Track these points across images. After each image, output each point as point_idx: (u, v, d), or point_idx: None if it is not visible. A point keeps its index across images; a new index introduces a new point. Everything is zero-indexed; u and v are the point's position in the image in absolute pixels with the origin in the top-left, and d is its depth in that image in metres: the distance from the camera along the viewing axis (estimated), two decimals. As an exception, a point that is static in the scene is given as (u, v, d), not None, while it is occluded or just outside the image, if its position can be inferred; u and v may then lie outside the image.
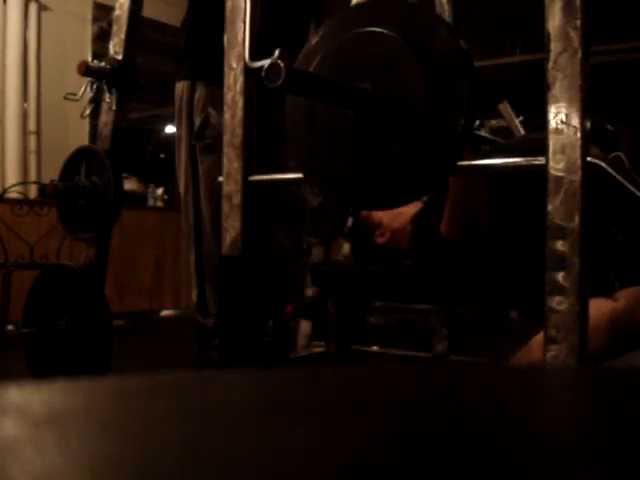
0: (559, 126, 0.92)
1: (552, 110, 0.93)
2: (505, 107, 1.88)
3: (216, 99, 1.31)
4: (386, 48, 0.97)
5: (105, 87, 1.61)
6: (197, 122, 2.12)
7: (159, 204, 5.11)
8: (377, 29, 0.99)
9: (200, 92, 2.12)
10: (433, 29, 0.97)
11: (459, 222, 1.44)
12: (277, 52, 1.17)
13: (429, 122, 0.94)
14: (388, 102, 0.97)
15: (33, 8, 4.41)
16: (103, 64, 1.61)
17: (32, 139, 4.40)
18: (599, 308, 1.21)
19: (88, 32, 4.78)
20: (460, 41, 0.96)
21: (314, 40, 1.11)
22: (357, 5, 1.11)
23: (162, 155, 5.98)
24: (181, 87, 2.18)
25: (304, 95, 1.03)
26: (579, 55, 0.92)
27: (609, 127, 1.77)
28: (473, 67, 0.95)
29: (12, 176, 4.23)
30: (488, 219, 1.41)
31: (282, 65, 0.90)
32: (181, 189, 2.25)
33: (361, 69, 0.99)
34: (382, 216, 1.81)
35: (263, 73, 0.91)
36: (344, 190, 1.08)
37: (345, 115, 1.01)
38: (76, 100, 1.62)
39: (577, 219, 0.90)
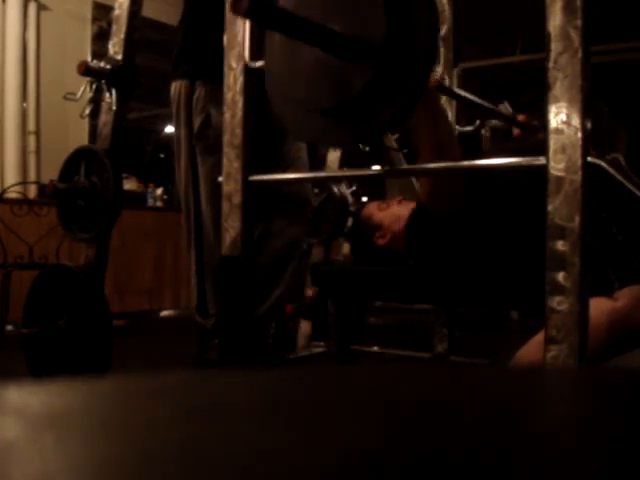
0: (559, 126, 0.92)
1: (552, 110, 0.93)
2: (505, 107, 1.88)
3: (217, 98, 1.31)
4: None
5: (105, 87, 1.61)
6: (197, 122, 2.12)
7: (159, 204, 5.11)
8: None
9: (199, 91, 2.11)
10: None
11: (435, 186, 1.52)
12: None
13: (392, 55, 0.97)
14: (351, 38, 1.00)
15: (32, 8, 4.40)
16: (103, 64, 1.60)
17: (31, 139, 4.39)
18: (599, 308, 1.21)
19: (88, 32, 4.78)
20: None
21: None
22: None
23: (162, 155, 5.98)
24: (178, 86, 2.17)
25: (267, 26, 1.08)
26: (579, 55, 0.91)
27: (608, 129, 1.77)
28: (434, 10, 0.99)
29: (11, 176, 4.23)
30: (463, 182, 1.49)
31: None
32: (181, 190, 2.25)
33: (328, 9, 1.04)
34: (383, 218, 1.81)
35: (229, 2, 0.97)
36: (314, 129, 1.12)
37: (315, 55, 1.05)
38: (76, 100, 1.62)
39: (577, 219, 0.90)
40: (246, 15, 0.95)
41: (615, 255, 1.35)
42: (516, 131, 1.91)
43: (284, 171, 2.08)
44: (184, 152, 2.18)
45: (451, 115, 1.93)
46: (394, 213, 1.79)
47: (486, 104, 1.66)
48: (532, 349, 1.24)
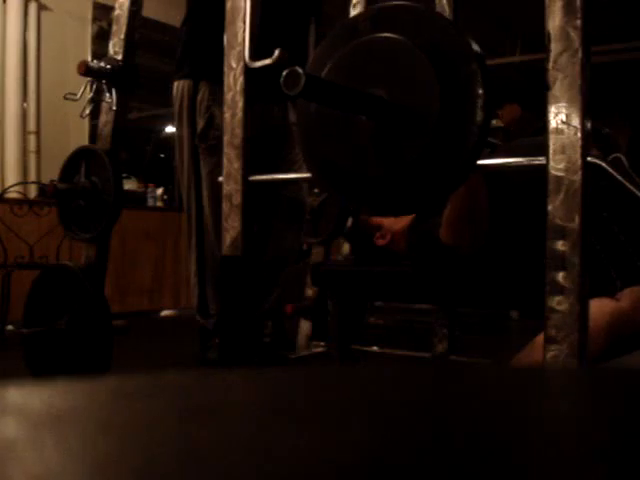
0: (559, 126, 0.92)
1: (552, 110, 0.93)
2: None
3: (221, 99, 1.32)
4: (399, 54, 0.96)
5: (105, 87, 1.60)
6: (200, 123, 2.12)
7: (159, 204, 5.11)
8: (390, 34, 0.97)
9: (203, 92, 2.11)
10: (445, 33, 0.95)
11: (459, 227, 1.42)
12: (277, 53, 1.16)
13: (444, 128, 0.93)
14: (404, 109, 0.95)
15: (33, 8, 4.40)
16: (103, 64, 1.60)
17: (32, 139, 4.39)
18: (601, 308, 1.21)
19: (88, 32, 4.78)
20: (473, 43, 0.94)
21: (322, 47, 1.08)
22: (363, 12, 1.10)
23: (162, 155, 5.98)
24: (181, 86, 2.17)
25: (321, 103, 1.01)
26: (579, 55, 0.92)
27: (607, 130, 1.77)
28: (487, 70, 0.93)
29: (12, 176, 4.23)
30: (487, 223, 1.41)
31: (300, 72, 0.88)
32: (183, 190, 2.25)
33: (375, 76, 0.98)
34: (383, 218, 1.81)
35: (282, 80, 0.89)
36: (361, 197, 1.06)
37: (359, 121, 1.00)
38: (76, 100, 1.62)
39: (577, 219, 0.90)
40: (302, 95, 0.90)
41: (617, 255, 1.35)
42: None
43: (287, 171, 2.09)
44: (187, 152, 2.18)
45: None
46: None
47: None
48: (535, 349, 1.24)
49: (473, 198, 1.37)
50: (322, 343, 2.26)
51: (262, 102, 1.25)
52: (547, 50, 0.94)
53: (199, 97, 2.12)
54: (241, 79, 1.27)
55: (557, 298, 0.91)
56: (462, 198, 1.37)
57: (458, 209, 1.40)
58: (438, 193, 1.00)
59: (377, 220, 1.82)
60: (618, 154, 1.54)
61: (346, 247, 2.34)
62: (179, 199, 5.86)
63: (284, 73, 0.89)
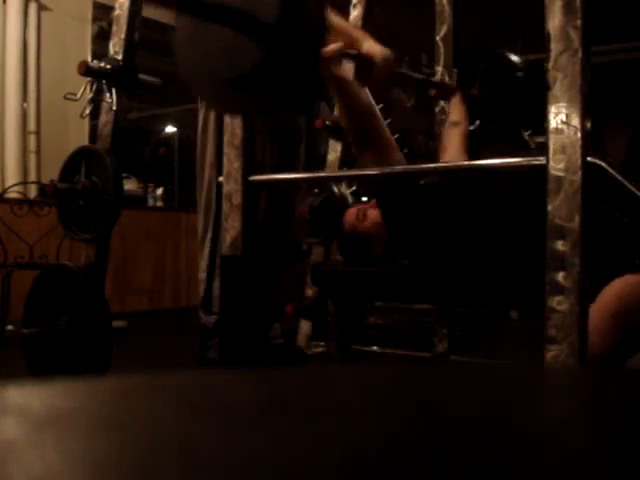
0: (559, 126, 0.92)
1: (552, 110, 0.93)
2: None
3: None
4: None
5: (105, 87, 1.60)
6: None
7: (159, 204, 5.11)
8: None
9: None
10: None
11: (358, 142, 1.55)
12: None
13: (285, 32, 1.06)
14: (247, 14, 1.09)
15: (33, 8, 4.40)
16: (103, 64, 1.60)
17: (32, 139, 4.40)
18: (629, 281, 1.22)
19: (88, 32, 4.78)
20: None
21: None
22: None
23: (162, 155, 5.98)
24: None
25: (168, 5, 1.26)
26: (579, 55, 0.91)
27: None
28: None
29: (12, 176, 4.23)
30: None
31: None
32: (203, 187, 2.27)
33: None
34: (368, 230, 1.80)
35: None
36: (220, 99, 1.22)
37: (217, 29, 1.13)
38: (76, 100, 1.62)
39: (577, 219, 0.90)
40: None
41: (626, 237, 1.35)
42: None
43: (297, 169, 2.16)
44: (212, 148, 2.21)
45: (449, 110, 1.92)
46: (375, 222, 1.77)
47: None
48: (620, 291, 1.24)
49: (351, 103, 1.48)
50: (322, 343, 2.26)
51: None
52: (547, 50, 0.94)
53: None
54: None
55: (557, 298, 0.91)
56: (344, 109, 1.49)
57: (344, 113, 1.52)
58: (284, 92, 1.12)
59: (362, 232, 1.80)
60: (610, 159, 1.55)
61: (346, 247, 2.34)
62: (179, 199, 5.87)
63: None
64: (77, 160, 1.67)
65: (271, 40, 1.07)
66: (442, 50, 1.95)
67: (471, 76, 1.97)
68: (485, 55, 2.12)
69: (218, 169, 2.20)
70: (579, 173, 0.90)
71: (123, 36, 1.63)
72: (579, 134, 0.91)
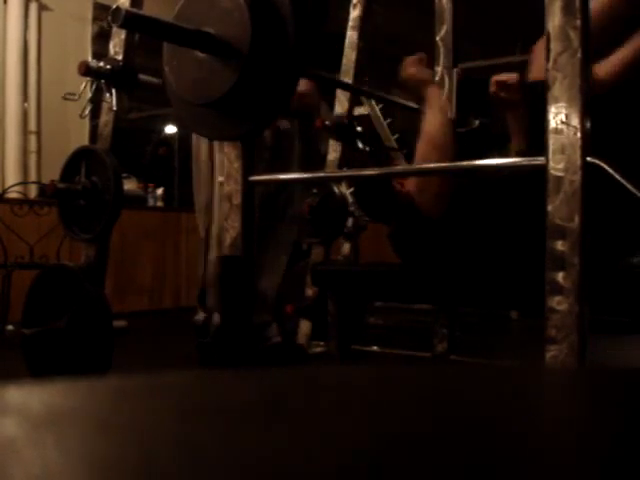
0: (559, 126, 0.92)
1: (552, 110, 0.93)
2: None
3: None
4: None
5: (105, 87, 1.60)
6: None
7: (159, 204, 5.11)
8: None
9: None
10: None
11: (421, 183, 1.59)
12: None
13: (257, 59, 1.09)
14: (220, 41, 1.12)
15: (33, 8, 4.40)
16: (103, 64, 1.60)
17: (32, 139, 4.40)
18: None
19: (88, 32, 4.78)
20: None
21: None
22: None
23: (162, 154, 5.98)
24: None
25: (145, 33, 1.26)
26: (579, 55, 0.91)
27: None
28: (302, 9, 1.14)
29: (12, 176, 4.23)
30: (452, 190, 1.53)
31: (122, 8, 1.13)
32: (203, 185, 2.28)
33: (205, 18, 1.18)
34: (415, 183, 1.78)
35: (109, 16, 1.12)
36: (194, 121, 1.25)
37: (193, 55, 1.17)
38: (76, 100, 1.62)
39: (577, 219, 0.90)
40: (121, 26, 1.12)
41: (635, 214, 1.35)
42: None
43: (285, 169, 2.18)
44: (205, 147, 2.23)
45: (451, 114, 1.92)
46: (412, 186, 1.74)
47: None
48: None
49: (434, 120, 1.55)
50: (322, 343, 2.26)
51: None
52: (547, 50, 0.94)
53: None
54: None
55: (557, 298, 0.91)
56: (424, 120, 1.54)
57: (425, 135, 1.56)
58: (256, 116, 1.16)
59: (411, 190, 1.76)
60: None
61: (346, 247, 2.34)
62: (179, 199, 5.87)
63: (110, 10, 1.11)
64: (77, 160, 1.67)
65: (244, 66, 1.09)
66: (442, 50, 1.95)
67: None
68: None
69: (211, 167, 2.22)
70: (579, 173, 0.90)
71: (123, 36, 1.63)
72: (579, 134, 0.91)
